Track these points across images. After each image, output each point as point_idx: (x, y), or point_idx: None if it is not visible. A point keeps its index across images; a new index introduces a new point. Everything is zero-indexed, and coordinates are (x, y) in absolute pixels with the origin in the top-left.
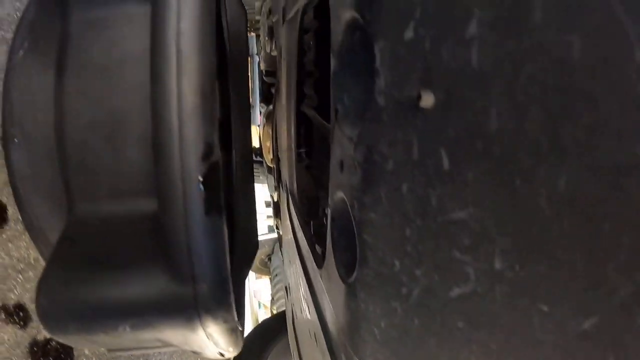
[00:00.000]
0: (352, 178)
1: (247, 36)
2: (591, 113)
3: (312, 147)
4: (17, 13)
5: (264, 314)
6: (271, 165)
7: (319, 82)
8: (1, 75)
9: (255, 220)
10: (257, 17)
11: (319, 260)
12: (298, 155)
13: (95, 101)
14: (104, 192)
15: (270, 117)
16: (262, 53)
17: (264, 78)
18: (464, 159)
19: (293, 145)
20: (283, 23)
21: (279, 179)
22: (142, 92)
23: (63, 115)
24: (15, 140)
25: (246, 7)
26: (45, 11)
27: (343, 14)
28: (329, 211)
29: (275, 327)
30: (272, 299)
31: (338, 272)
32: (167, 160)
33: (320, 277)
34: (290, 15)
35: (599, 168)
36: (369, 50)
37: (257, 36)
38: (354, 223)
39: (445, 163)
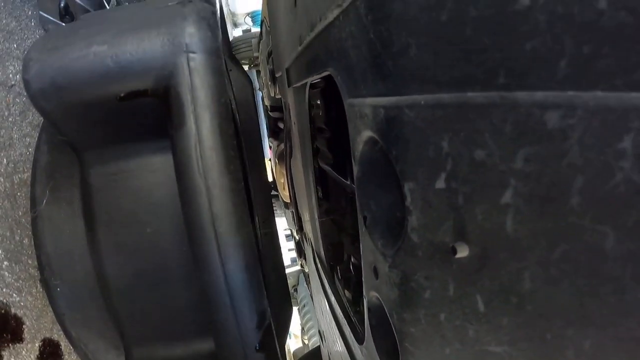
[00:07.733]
0: (390, 292)
1: (255, 103)
2: (618, 297)
3: (329, 191)
4: (30, 149)
5: (294, 344)
6: (287, 201)
7: (331, 140)
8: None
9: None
10: (256, 54)
11: (359, 337)
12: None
13: (133, 252)
14: (156, 338)
15: (282, 158)
16: (265, 91)
17: (270, 113)
18: (498, 307)
19: (316, 214)
20: (289, 86)
21: (300, 226)
22: (177, 239)
23: (102, 267)
24: (59, 289)
25: (244, 44)
26: (59, 154)
27: (363, 132)
28: (364, 301)
29: None
30: (303, 329)
31: (380, 358)
32: (225, 334)
33: (360, 351)
34: (297, 85)
35: (621, 340)
36: (392, 170)
37: (258, 72)
38: (393, 329)
39: (481, 306)
